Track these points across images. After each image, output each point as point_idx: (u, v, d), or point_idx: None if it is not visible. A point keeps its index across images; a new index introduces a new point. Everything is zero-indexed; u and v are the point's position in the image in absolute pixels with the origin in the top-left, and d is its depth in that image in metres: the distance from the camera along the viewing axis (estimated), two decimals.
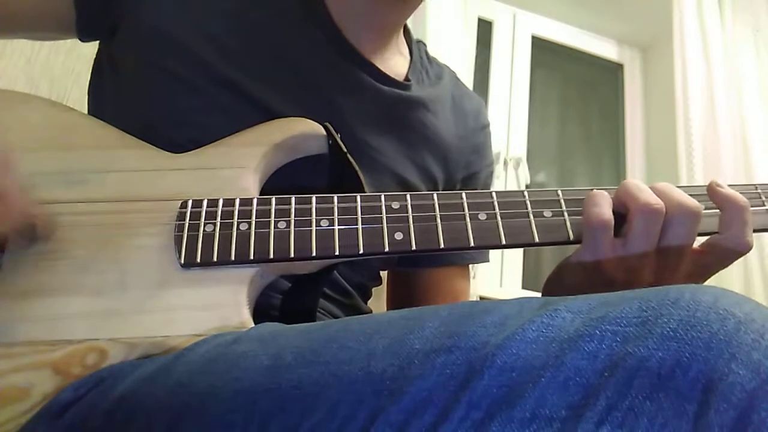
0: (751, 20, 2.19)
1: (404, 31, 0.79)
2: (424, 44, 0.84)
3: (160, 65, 0.64)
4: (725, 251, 0.54)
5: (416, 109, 0.74)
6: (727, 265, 0.55)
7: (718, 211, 0.55)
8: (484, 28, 2.25)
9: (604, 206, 0.53)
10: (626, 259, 0.53)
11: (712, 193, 0.55)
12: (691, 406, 0.28)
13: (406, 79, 0.75)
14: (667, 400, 0.28)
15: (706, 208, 0.54)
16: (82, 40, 0.71)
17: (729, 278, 1.81)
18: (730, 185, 0.57)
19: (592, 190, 0.56)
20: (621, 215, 0.53)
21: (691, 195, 0.54)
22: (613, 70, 2.49)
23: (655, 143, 2.33)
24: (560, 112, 2.44)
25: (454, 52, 1.86)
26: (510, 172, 2.11)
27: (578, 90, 2.50)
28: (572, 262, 0.56)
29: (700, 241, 0.55)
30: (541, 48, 2.36)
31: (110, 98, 0.69)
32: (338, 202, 0.55)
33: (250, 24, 0.67)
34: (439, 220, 0.54)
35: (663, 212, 0.52)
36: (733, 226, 0.53)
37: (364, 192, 0.58)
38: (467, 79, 1.89)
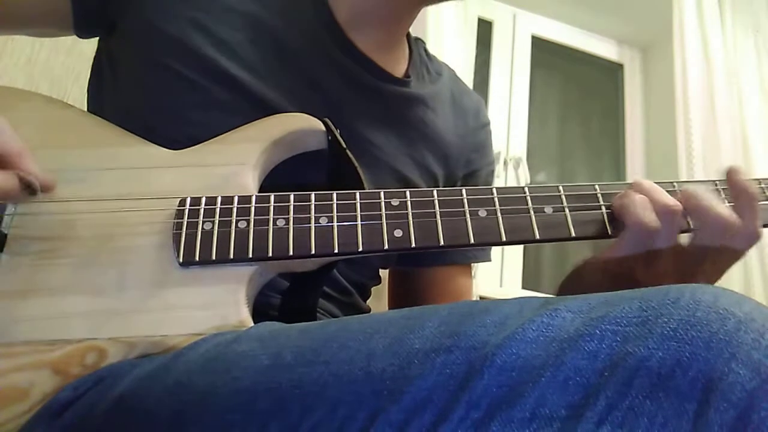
0: (751, 20, 2.19)
1: None
2: (423, 42, 0.83)
3: (158, 62, 0.64)
4: (738, 244, 0.54)
5: (416, 106, 0.74)
6: (737, 260, 0.55)
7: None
8: (484, 28, 2.25)
9: (651, 212, 0.53)
10: (654, 265, 0.53)
11: (731, 181, 0.56)
12: (691, 405, 0.28)
13: (406, 75, 0.75)
14: (667, 399, 0.28)
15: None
16: (80, 37, 0.71)
17: (729, 278, 1.80)
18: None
19: (593, 185, 0.56)
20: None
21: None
22: (613, 70, 2.49)
23: (655, 143, 2.33)
24: (560, 111, 2.44)
25: (454, 52, 1.86)
26: (510, 171, 2.11)
27: (578, 90, 2.50)
28: (596, 266, 0.56)
29: None
30: (541, 48, 2.36)
31: (109, 96, 0.69)
32: (337, 200, 0.54)
33: (250, 20, 0.67)
34: (438, 217, 0.54)
35: (680, 212, 0.53)
36: (746, 216, 0.54)
37: (364, 189, 0.58)
38: (467, 79, 1.89)
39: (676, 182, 0.58)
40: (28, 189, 0.49)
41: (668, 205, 0.53)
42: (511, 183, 2.10)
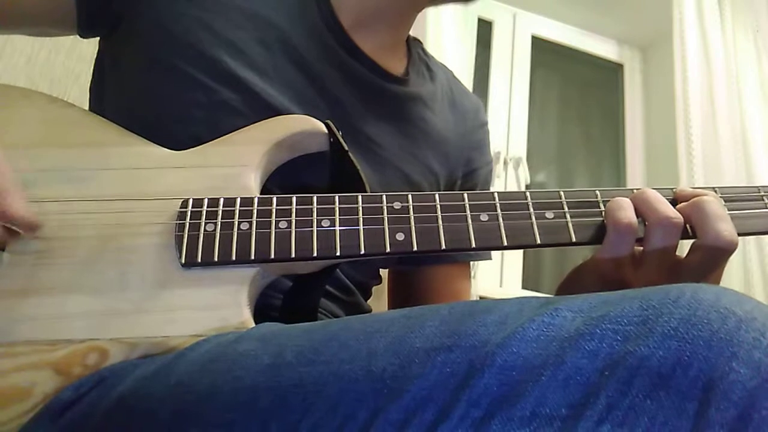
0: (751, 20, 2.19)
1: None
2: (420, 41, 0.84)
3: (163, 61, 0.64)
4: (710, 251, 0.52)
5: (416, 104, 0.75)
6: (719, 265, 0.53)
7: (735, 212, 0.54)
8: (484, 28, 2.25)
9: (630, 210, 0.52)
10: (642, 272, 0.53)
11: (679, 193, 0.55)
12: (691, 404, 0.28)
13: (405, 74, 0.76)
14: (667, 398, 0.29)
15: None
16: (83, 37, 0.71)
17: (729, 278, 1.81)
18: (732, 186, 0.57)
19: (594, 191, 0.56)
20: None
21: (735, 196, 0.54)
22: (613, 70, 2.49)
23: (655, 143, 2.33)
24: (560, 112, 2.44)
25: (453, 52, 1.86)
26: (510, 172, 2.11)
27: (578, 90, 2.50)
28: (590, 267, 0.56)
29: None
30: (541, 48, 2.36)
31: (111, 95, 0.69)
32: (339, 202, 0.54)
33: (256, 21, 0.67)
34: (440, 221, 0.54)
35: (681, 225, 0.52)
36: (706, 224, 0.52)
37: (366, 191, 0.58)
38: (467, 79, 1.89)
39: (718, 188, 0.57)
40: (12, 229, 0.49)
41: (669, 217, 0.52)
42: (511, 183, 2.11)
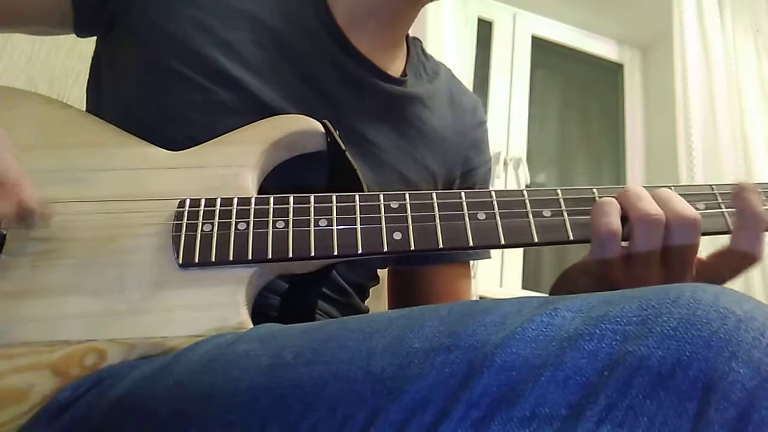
0: (751, 20, 2.19)
1: None
2: (420, 41, 0.84)
3: (159, 62, 0.64)
4: (735, 263, 0.52)
5: (414, 104, 0.74)
6: (733, 277, 0.53)
7: (722, 210, 0.54)
8: (484, 28, 2.25)
9: (612, 215, 0.52)
10: (632, 270, 0.52)
11: (737, 200, 0.53)
12: (691, 404, 0.28)
13: (403, 75, 0.75)
14: (667, 398, 0.28)
15: (707, 208, 0.54)
16: (80, 36, 0.71)
17: None
18: (727, 184, 0.56)
19: (591, 189, 0.56)
20: (625, 219, 0.52)
21: (692, 194, 0.54)
22: (613, 70, 2.49)
23: (655, 143, 2.33)
24: (560, 112, 2.44)
25: (454, 52, 1.86)
26: (510, 172, 2.11)
27: (578, 90, 2.50)
28: (579, 268, 0.56)
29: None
30: (541, 48, 2.36)
31: (108, 95, 0.69)
32: (337, 202, 0.54)
33: (251, 21, 0.67)
34: (438, 220, 0.54)
35: (663, 222, 0.51)
36: (747, 239, 0.51)
37: (363, 190, 0.58)
38: (467, 79, 1.89)
39: (674, 186, 0.56)
40: (25, 218, 0.49)
41: (648, 214, 0.51)
42: (511, 183, 2.11)
